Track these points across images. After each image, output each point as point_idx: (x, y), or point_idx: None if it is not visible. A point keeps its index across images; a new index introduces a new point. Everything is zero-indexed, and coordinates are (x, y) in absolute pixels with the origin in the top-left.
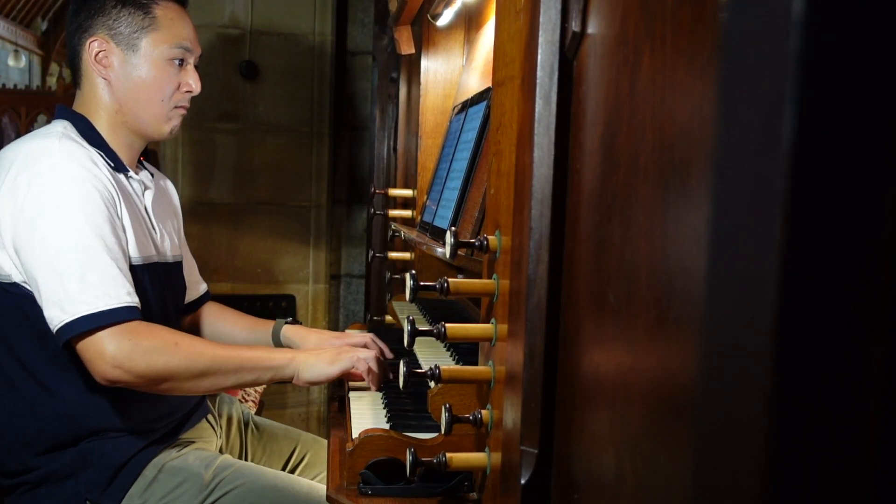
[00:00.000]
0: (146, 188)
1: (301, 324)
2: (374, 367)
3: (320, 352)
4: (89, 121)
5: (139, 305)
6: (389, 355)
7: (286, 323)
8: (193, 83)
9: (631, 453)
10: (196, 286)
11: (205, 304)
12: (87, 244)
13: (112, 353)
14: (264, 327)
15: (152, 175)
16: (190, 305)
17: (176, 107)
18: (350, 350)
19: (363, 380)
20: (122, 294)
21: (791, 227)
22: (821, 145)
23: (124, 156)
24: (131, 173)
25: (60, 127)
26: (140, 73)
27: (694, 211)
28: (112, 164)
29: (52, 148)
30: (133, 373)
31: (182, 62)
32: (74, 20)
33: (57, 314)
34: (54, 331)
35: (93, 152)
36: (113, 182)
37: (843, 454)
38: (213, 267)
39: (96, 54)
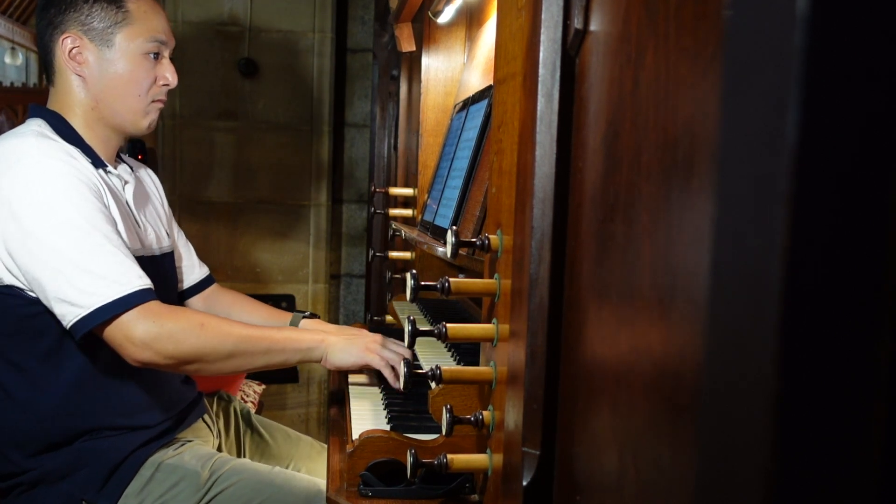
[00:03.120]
0: (126, 182)
1: (318, 317)
2: (399, 370)
3: (352, 337)
4: (64, 118)
5: (152, 286)
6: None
7: (304, 317)
8: (170, 76)
9: (634, 454)
10: (194, 271)
11: (217, 290)
12: (84, 236)
13: (140, 337)
14: (282, 319)
15: (131, 168)
16: (192, 289)
17: (153, 101)
18: (380, 343)
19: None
20: (133, 278)
21: (795, 225)
22: (825, 144)
23: (101, 151)
24: (110, 168)
25: (35, 125)
26: (116, 69)
27: (697, 210)
28: (89, 160)
29: (29, 147)
30: (162, 354)
31: (157, 55)
32: (44, 16)
33: (69, 310)
34: (68, 326)
35: (70, 148)
36: (96, 175)
37: (848, 451)
38: (212, 266)
39: (70, 51)
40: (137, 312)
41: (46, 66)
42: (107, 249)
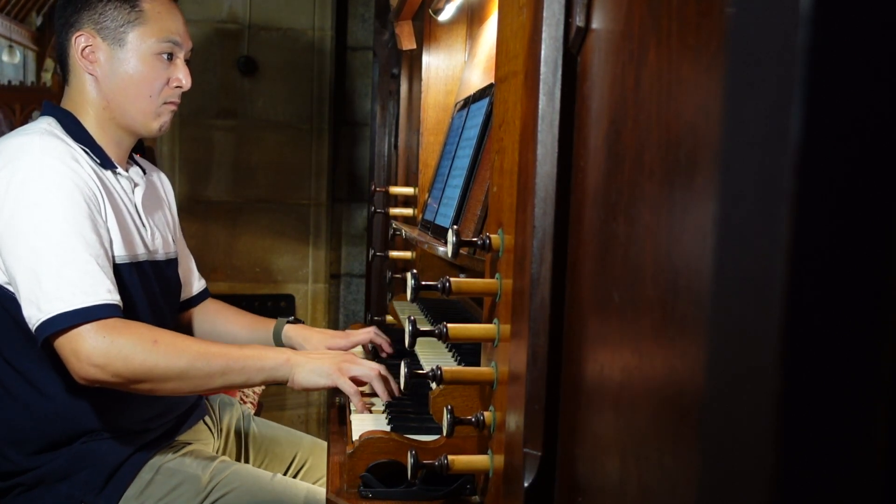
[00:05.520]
0: (135, 185)
1: (303, 322)
2: (378, 388)
3: (321, 357)
4: (76, 117)
5: (120, 303)
6: (389, 350)
7: (288, 322)
8: (183, 78)
9: (636, 456)
10: (193, 284)
11: (204, 302)
12: (64, 241)
13: (87, 352)
14: (265, 326)
15: (144, 171)
16: (187, 303)
17: (165, 102)
18: (351, 362)
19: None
20: (101, 291)
21: (799, 224)
22: (829, 142)
23: (112, 152)
24: (119, 170)
25: (44, 124)
26: (127, 69)
27: (700, 209)
28: (98, 161)
29: (31, 145)
30: (109, 371)
31: (171, 56)
32: (62, 15)
33: (34, 313)
34: (32, 330)
35: (76, 150)
36: (97, 180)
37: (852, 454)
38: (211, 266)
39: (82, 49)
40: (93, 326)
41: (62, 65)
42: (82, 257)
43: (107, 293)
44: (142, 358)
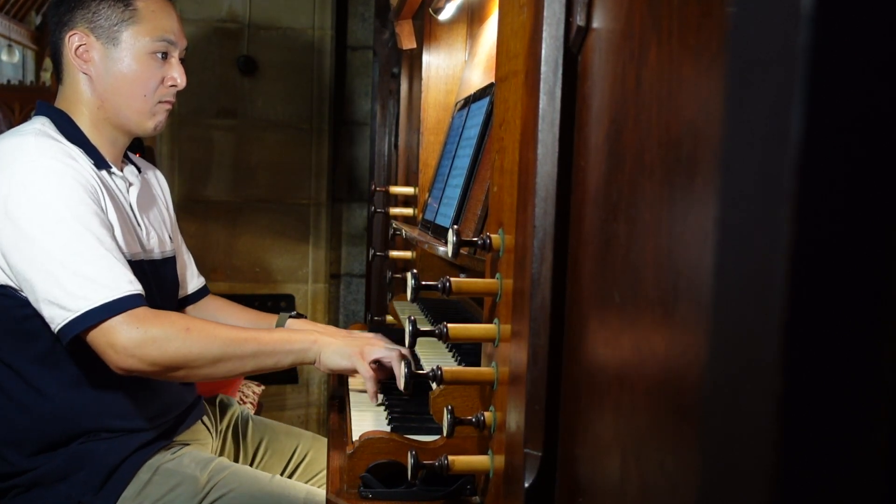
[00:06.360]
0: (130, 184)
1: (305, 317)
2: (397, 370)
3: (347, 340)
4: (70, 117)
5: (143, 292)
6: (401, 389)
7: (290, 317)
8: (178, 77)
9: (637, 456)
10: (192, 280)
11: (206, 298)
12: (76, 238)
13: (122, 343)
14: (267, 322)
15: (139, 169)
16: (187, 300)
17: (160, 102)
18: (374, 345)
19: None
20: (123, 283)
21: (800, 224)
22: (829, 143)
23: (107, 152)
24: (114, 170)
25: (38, 124)
26: (121, 68)
27: (701, 209)
28: (93, 161)
29: (27, 146)
30: (146, 360)
31: (166, 55)
32: (55, 14)
33: (58, 313)
34: (56, 330)
35: (72, 149)
36: (95, 177)
37: (853, 454)
38: (211, 266)
39: (76, 48)
40: (123, 318)
41: (56, 64)
42: (98, 252)
43: (128, 284)
44: (177, 346)
